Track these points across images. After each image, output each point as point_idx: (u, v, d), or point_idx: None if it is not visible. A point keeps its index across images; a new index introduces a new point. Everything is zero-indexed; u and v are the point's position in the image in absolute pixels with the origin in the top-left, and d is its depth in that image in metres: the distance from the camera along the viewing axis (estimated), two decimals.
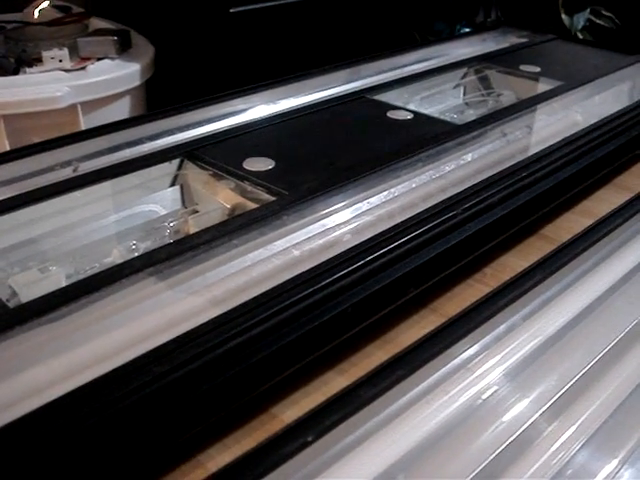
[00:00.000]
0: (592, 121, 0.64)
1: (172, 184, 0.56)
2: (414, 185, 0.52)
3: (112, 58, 0.95)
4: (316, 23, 1.12)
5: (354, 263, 0.41)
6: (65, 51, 0.92)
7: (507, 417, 0.35)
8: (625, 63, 0.82)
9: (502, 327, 0.41)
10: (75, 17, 1.07)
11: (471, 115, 0.75)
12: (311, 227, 0.46)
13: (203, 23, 1.03)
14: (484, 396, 0.37)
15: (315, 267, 0.41)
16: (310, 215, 0.47)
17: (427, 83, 0.77)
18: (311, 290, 0.39)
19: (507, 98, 0.78)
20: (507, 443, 0.34)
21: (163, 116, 0.64)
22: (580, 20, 1.23)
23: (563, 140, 0.60)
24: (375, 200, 0.50)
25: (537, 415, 0.36)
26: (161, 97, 1.01)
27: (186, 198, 0.56)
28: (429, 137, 0.60)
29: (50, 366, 0.34)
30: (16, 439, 0.29)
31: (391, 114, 0.65)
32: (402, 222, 0.46)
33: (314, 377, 0.40)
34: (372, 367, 0.38)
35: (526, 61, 0.82)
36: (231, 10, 1.01)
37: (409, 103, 0.73)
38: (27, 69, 0.90)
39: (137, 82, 0.96)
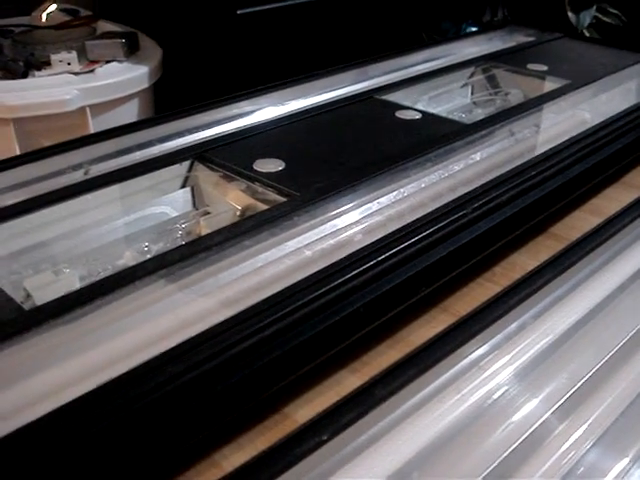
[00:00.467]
0: (600, 119, 0.64)
1: (183, 186, 0.56)
2: (423, 185, 0.52)
3: (120, 61, 0.95)
4: (324, 24, 1.12)
5: (365, 263, 0.42)
6: (73, 54, 0.92)
7: (518, 416, 0.36)
8: (632, 61, 0.82)
9: (512, 326, 0.42)
10: (83, 20, 1.07)
11: (479, 114, 0.75)
12: (322, 227, 0.46)
13: (210, 25, 1.04)
14: (495, 395, 0.37)
15: (327, 267, 0.41)
16: (321, 215, 0.47)
17: (435, 83, 0.77)
18: (323, 290, 0.39)
19: (515, 97, 0.78)
20: (518, 442, 0.34)
21: (173, 118, 0.64)
22: (586, 18, 1.22)
23: (571, 138, 0.60)
24: (385, 200, 0.50)
25: (548, 414, 0.36)
26: (169, 99, 1.01)
27: (197, 200, 0.56)
28: (438, 137, 0.60)
29: (65, 368, 0.34)
30: (32, 442, 0.29)
31: (399, 114, 0.65)
32: (412, 222, 0.46)
33: (327, 376, 0.40)
34: (384, 366, 0.38)
35: (533, 60, 0.82)
36: (238, 12, 1.01)
37: (417, 103, 0.73)
38: (36, 72, 0.90)
39: (145, 84, 0.96)
